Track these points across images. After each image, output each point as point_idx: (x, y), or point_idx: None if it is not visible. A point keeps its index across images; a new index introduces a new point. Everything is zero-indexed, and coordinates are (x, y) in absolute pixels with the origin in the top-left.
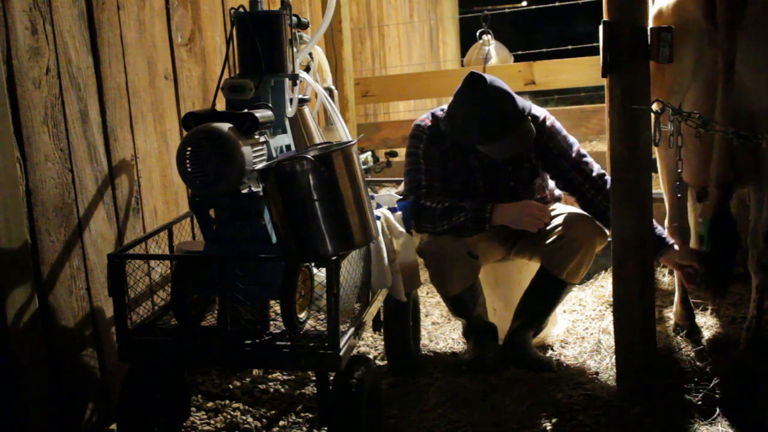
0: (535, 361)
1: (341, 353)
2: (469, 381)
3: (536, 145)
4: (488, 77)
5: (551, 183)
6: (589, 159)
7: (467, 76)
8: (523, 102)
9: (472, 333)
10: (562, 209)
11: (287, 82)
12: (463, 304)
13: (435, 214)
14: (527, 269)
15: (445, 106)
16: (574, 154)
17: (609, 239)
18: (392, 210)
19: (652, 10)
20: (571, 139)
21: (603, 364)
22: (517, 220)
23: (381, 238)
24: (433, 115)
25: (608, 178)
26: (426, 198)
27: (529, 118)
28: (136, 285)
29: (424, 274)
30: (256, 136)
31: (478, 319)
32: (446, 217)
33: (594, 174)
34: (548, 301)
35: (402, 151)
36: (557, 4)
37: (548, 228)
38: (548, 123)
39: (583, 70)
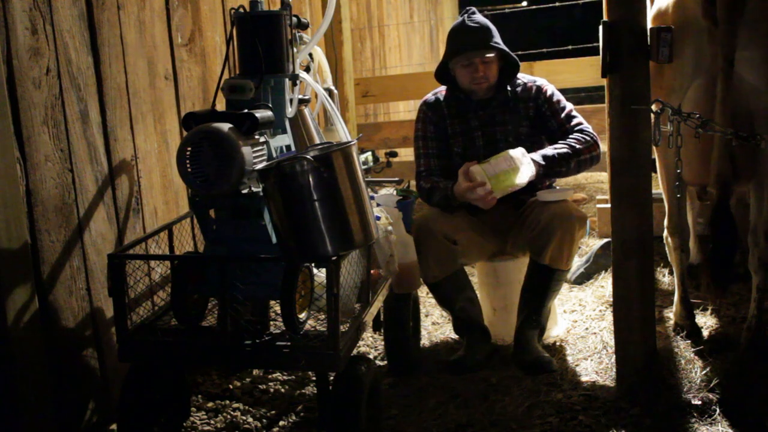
0: (536, 360)
1: (341, 353)
2: (469, 381)
3: (534, 106)
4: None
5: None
6: (577, 119)
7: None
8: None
9: (463, 332)
10: (541, 198)
11: (287, 82)
12: (444, 294)
13: (424, 194)
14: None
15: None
16: (563, 116)
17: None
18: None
19: (651, 10)
20: (566, 104)
21: (603, 364)
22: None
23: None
24: (435, 92)
25: (584, 127)
26: (422, 179)
27: (499, 46)
28: (136, 285)
29: None
30: (256, 136)
31: (462, 313)
32: (431, 196)
33: (572, 126)
34: (540, 290)
35: (402, 151)
36: (557, 4)
37: (530, 220)
38: (546, 89)
39: (583, 70)
